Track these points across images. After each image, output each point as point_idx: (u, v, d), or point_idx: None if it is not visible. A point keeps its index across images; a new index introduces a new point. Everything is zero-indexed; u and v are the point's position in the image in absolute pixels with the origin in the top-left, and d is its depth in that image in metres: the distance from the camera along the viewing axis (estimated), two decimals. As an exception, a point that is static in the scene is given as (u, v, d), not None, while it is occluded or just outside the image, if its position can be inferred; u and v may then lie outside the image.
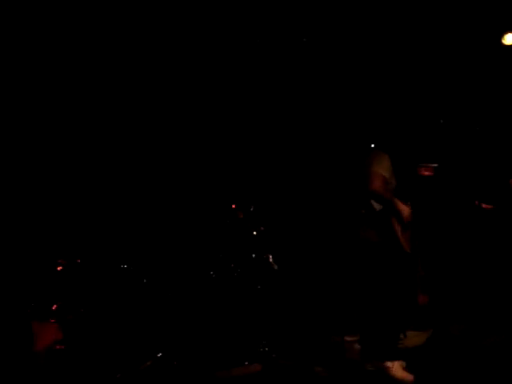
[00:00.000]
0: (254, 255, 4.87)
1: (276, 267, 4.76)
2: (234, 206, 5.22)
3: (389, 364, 4.30)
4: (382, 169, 4.32)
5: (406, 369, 4.39)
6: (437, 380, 4.28)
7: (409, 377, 4.27)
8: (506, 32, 6.03)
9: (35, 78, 4.99)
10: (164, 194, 5.71)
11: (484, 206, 4.51)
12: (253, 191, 5.53)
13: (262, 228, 5.04)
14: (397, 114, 6.11)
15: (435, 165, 5.13)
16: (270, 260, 4.78)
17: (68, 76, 5.20)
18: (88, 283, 4.73)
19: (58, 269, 4.69)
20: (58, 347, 4.57)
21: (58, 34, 4.92)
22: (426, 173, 4.82)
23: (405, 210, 4.36)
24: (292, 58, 5.87)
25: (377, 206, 4.40)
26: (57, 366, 4.36)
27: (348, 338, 5.10)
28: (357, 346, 4.88)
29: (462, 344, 4.58)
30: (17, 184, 4.91)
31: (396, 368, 4.28)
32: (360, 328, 4.74)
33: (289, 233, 5.77)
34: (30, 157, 5.02)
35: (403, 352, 4.75)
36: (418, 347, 5.16)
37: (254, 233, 4.92)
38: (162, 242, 5.31)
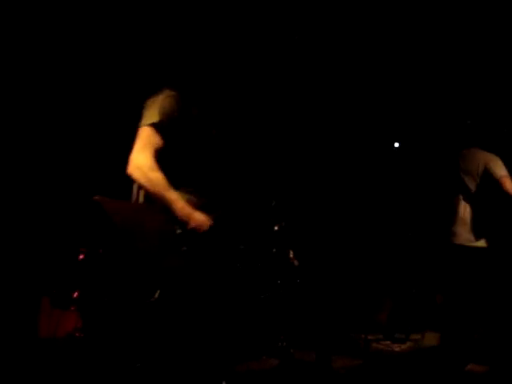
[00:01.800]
0: (274, 250, 4.86)
1: (297, 263, 4.74)
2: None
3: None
4: (506, 171, 4.20)
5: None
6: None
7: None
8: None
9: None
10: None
11: None
12: (275, 186, 5.51)
13: (283, 223, 5.02)
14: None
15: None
16: (291, 255, 4.77)
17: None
18: (109, 273, 4.76)
19: (80, 257, 4.72)
20: (77, 334, 4.63)
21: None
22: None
23: None
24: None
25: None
26: (76, 353, 4.42)
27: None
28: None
29: (476, 346, 4.53)
30: (44, 172, 4.95)
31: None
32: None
33: (310, 228, 5.76)
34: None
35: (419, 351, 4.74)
36: (434, 347, 5.13)
37: (276, 228, 4.90)
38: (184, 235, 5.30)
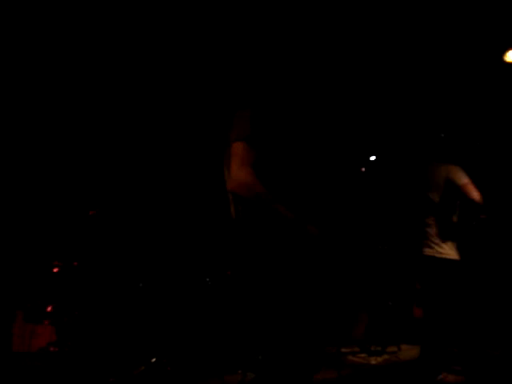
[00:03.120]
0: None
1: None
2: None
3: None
4: (468, 178, 4.22)
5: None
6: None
7: None
8: (508, 49, 6.05)
9: (35, 78, 5.00)
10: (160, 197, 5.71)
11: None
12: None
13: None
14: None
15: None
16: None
17: (68, 76, 5.21)
18: (83, 286, 4.73)
19: (54, 271, 4.69)
20: (52, 349, 4.58)
21: (57, 34, 4.93)
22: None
23: None
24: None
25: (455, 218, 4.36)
26: (51, 367, 4.37)
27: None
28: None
29: (458, 358, 4.55)
30: (12, 186, 4.91)
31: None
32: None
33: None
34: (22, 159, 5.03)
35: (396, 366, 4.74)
36: (412, 361, 5.14)
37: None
38: (155, 248, 5.31)
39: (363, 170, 6.52)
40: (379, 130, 6.70)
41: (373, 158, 6.48)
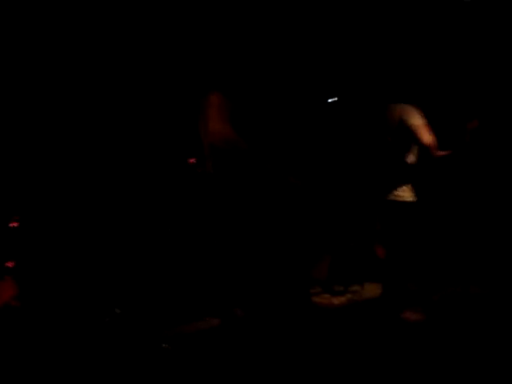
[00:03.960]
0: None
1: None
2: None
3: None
4: (422, 120, 4.19)
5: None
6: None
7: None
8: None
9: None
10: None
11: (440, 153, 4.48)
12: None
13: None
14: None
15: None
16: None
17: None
18: (43, 239, 4.67)
19: (12, 225, 4.61)
20: (14, 303, 4.55)
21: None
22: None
23: None
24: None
25: (410, 161, 4.31)
26: (14, 321, 4.35)
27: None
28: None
29: (416, 299, 4.65)
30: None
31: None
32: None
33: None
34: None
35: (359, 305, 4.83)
36: (375, 299, 5.23)
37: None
38: (117, 198, 5.25)
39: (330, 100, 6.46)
40: (340, 71, 6.65)
41: (333, 99, 6.42)
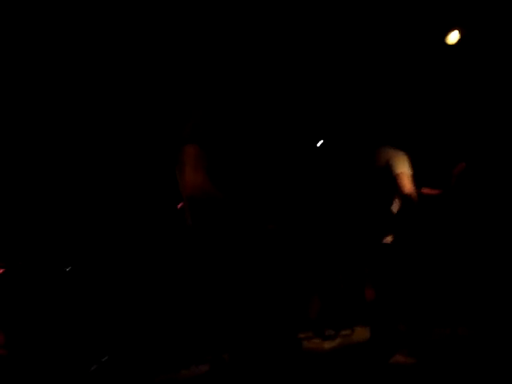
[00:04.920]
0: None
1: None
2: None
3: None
4: (408, 168, 4.13)
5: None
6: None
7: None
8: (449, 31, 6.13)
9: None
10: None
11: (426, 191, 4.48)
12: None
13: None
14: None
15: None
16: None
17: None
18: (30, 286, 4.64)
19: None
20: (1, 352, 4.49)
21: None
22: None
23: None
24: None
25: (395, 209, 4.28)
26: (1, 370, 4.28)
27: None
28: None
29: (405, 341, 4.63)
30: None
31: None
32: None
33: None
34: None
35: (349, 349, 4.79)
36: (365, 342, 5.20)
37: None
38: (104, 244, 5.24)
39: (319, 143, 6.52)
40: (329, 115, 6.74)
41: (320, 143, 6.50)
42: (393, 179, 4.12)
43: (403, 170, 4.12)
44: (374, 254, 4.35)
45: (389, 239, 4.27)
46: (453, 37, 6.17)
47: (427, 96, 6.52)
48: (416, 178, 4.21)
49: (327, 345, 5.58)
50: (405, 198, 4.08)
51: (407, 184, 4.05)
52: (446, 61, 6.37)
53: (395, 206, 4.29)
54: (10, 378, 4.18)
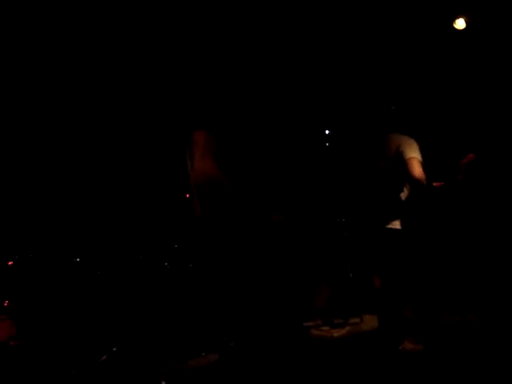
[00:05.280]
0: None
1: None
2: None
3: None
4: (418, 154, 4.13)
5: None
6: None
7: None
8: (456, 16, 6.07)
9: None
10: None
11: (434, 184, 4.47)
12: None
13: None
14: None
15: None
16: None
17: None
18: (40, 278, 4.67)
19: (9, 263, 4.61)
20: (12, 343, 4.53)
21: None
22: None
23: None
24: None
25: (404, 196, 4.29)
26: (11, 361, 4.32)
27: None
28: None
29: (414, 329, 4.63)
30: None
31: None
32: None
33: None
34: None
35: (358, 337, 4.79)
36: (373, 330, 5.21)
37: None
38: (114, 236, 5.27)
39: (327, 132, 6.51)
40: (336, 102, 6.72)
41: (327, 131, 6.48)
42: (403, 165, 4.12)
43: (414, 155, 4.12)
44: (381, 241, 4.33)
45: (397, 225, 4.26)
46: (461, 22, 6.11)
47: (436, 84, 6.48)
48: (425, 167, 4.21)
49: (336, 333, 5.59)
50: (414, 182, 4.08)
51: (417, 169, 4.06)
52: (456, 47, 6.32)
53: (404, 194, 4.29)
54: (21, 369, 4.22)
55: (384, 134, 4.47)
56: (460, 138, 6.05)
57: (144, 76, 5.59)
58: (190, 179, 2.84)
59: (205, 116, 2.75)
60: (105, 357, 4.33)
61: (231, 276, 2.90)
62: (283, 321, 3.09)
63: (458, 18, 6.09)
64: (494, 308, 5.27)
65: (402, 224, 4.23)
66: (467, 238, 5.70)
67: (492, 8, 5.84)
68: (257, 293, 2.91)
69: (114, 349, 4.39)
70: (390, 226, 4.23)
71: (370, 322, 5.70)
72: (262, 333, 2.95)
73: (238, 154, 2.83)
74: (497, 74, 6.15)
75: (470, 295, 5.44)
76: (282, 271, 3.05)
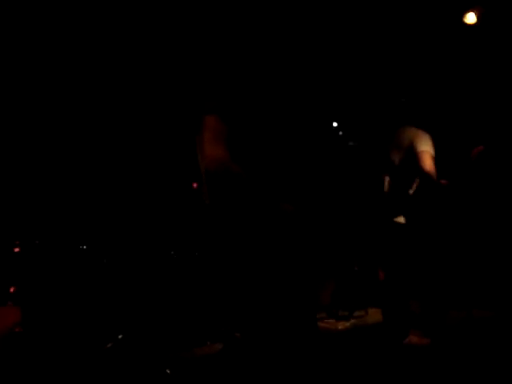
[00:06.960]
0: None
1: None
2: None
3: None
4: (431, 148, 4.11)
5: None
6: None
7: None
8: (467, 11, 6.04)
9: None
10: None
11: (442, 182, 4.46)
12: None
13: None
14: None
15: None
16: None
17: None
18: (47, 265, 4.67)
19: (15, 250, 4.61)
20: (17, 330, 4.53)
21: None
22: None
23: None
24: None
25: (412, 190, 4.27)
26: (17, 348, 4.33)
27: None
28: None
29: (420, 323, 4.61)
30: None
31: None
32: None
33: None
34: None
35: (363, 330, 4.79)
36: (379, 324, 5.20)
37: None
38: (120, 224, 5.26)
39: (335, 125, 6.48)
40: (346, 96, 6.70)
41: (335, 124, 6.46)
42: (414, 157, 4.10)
43: (426, 148, 4.10)
44: (387, 234, 4.32)
45: (402, 220, 4.25)
46: (471, 17, 6.07)
47: (447, 78, 6.45)
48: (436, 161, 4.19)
49: (341, 325, 5.58)
50: (424, 176, 4.06)
51: (428, 163, 4.03)
52: (467, 41, 6.29)
53: (412, 189, 4.27)
54: (26, 356, 4.22)
55: (397, 127, 4.46)
56: (471, 131, 6.02)
57: (154, 61, 5.57)
58: (199, 164, 2.81)
59: (217, 101, 2.71)
60: (110, 344, 4.33)
61: (239, 265, 2.88)
62: (293, 312, 3.06)
63: (469, 12, 6.06)
64: (500, 303, 5.26)
65: (406, 219, 4.22)
66: (475, 233, 5.68)
67: (503, 1, 5.81)
68: (265, 283, 2.88)
69: (120, 336, 4.39)
70: (396, 219, 4.23)
71: (374, 315, 5.70)
72: (270, 324, 2.92)
73: (249, 142, 2.79)
74: (508, 68, 6.11)
75: (477, 290, 5.42)
76: (290, 262, 3.02)
